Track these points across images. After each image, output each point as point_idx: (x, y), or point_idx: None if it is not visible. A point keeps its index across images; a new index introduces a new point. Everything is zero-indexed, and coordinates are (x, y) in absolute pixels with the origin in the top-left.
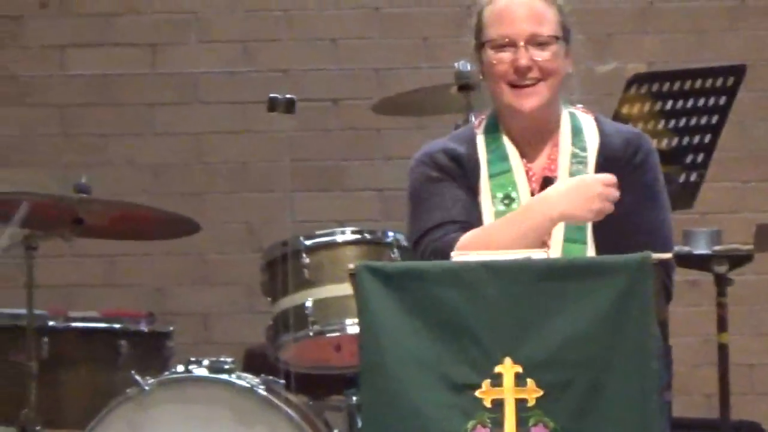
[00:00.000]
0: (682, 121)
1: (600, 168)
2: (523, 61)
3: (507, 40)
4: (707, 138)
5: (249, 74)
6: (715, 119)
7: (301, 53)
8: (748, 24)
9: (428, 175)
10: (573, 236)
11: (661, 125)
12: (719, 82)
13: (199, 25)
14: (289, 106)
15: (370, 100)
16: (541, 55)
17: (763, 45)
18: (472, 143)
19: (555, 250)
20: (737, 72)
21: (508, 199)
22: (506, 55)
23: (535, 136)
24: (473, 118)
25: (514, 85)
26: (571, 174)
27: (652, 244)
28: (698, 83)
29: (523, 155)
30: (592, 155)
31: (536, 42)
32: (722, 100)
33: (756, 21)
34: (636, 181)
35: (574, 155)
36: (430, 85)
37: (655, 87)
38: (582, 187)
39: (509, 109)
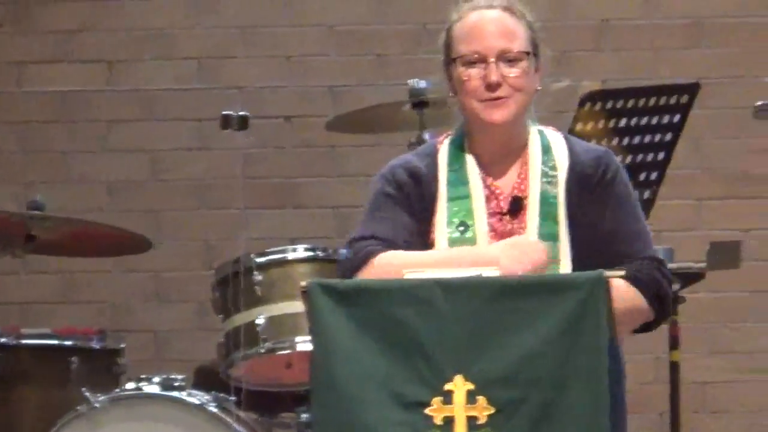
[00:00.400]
0: (636, 139)
1: (570, 187)
2: (494, 77)
3: (477, 56)
4: (661, 155)
5: (204, 91)
6: (668, 137)
7: (255, 70)
8: (702, 42)
9: (385, 190)
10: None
11: (614, 142)
12: (673, 99)
13: (155, 43)
14: (243, 123)
15: (324, 117)
16: (511, 72)
17: (717, 63)
18: (433, 160)
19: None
20: (691, 90)
21: (464, 227)
22: (477, 71)
23: (503, 152)
24: (427, 136)
25: (483, 101)
26: (542, 193)
27: (635, 254)
28: (652, 101)
29: (490, 173)
30: (562, 175)
31: (506, 58)
32: (676, 118)
33: (710, 39)
34: (610, 197)
35: (544, 174)
36: (384, 102)
37: (608, 104)
38: (525, 246)
39: (479, 123)
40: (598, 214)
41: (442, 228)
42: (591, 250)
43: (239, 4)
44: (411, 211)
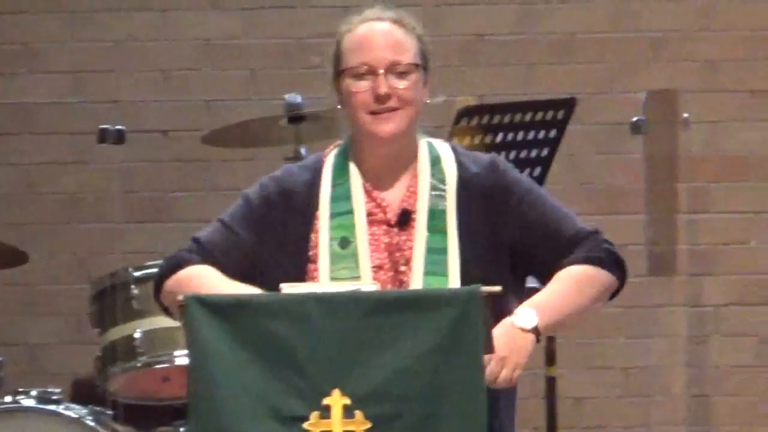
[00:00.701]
0: (512, 154)
1: (466, 201)
2: (383, 89)
3: (366, 67)
4: (537, 171)
5: (79, 105)
6: (545, 152)
7: (131, 84)
8: (577, 57)
9: (250, 197)
10: (433, 269)
11: None
12: (549, 115)
13: (29, 56)
14: (119, 137)
15: (200, 132)
16: (401, 84)
17: (593, 78)
18: (317, 173)
19: (416, 284)
20: (567, 105)
21: (345, 242)
22: (366, 84)
23: (391, 165)
24: (304, 151)
25: (373, 113)
26: (431, 207)
27: (574, 235)
28: (528, 116)
29: (377, 186)
30: (451, 187)
31: (396, 70)
32: (552, 133)
33: (585, 55)
34: (522, 199)
35: (433, 187)
36: (260, 116)
37: (485, 119)
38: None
39: (367, 136)
40: (521, 220)
41: (325, 241)
42: (530, 248)
43: (114, 19)
44: (260, 231)
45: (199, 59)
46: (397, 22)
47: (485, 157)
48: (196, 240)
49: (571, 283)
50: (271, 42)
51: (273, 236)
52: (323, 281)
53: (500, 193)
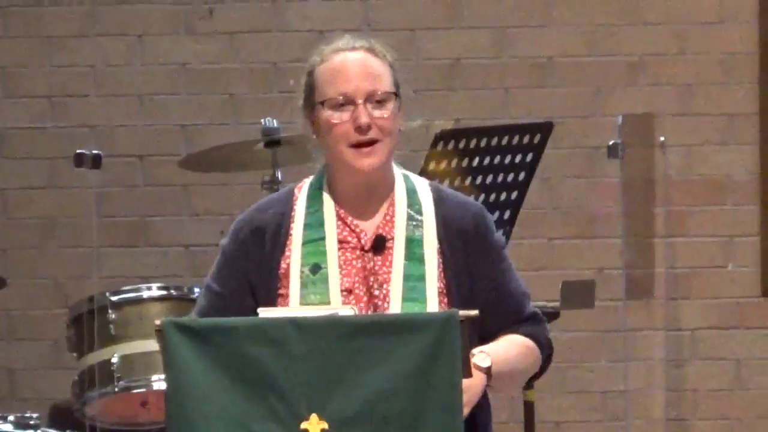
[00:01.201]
0: (489, 178)
1: (448, 240)
2: (364, 119)
3: (345, 98)
4: (514, 195)
5: (56, 129)
6: (522, 176)
7: (108, 109)
8: (554, 81)
9: (225, 252)
10: (410, 295)
11: (468, 182)
12: (526, 138)
13: (5, 80)
14: (96, 162)
15: (177, 156)
16: (381, 113)
17: (569, 102)
18: (289, 204)
19: (394, 309)
20: (544, 129)
21: (316, 268)
22: (345, 115)
23: (369, 194)
24: (280, 174)
25: (354, 146)
26: (408, 236)
27: (525, 313)
28: (505, 140)
29: (354, 214)
30: (428, 220)
31: (374, 99)
32: (529, 157)
33: (561, 78)
34: (488, 250)
35: (410, 217)
36: (236, 141)
37: (461, 143)
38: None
39: (347, 168)
40: (485, 271)
41: (296, 268)
42: (478, 303)
43: (90, 43)
44: (242, 278)
45: (176, 84)
46: (370, 50)
47: (472, 202)
48: (207, 287)
49: (519, 347)
50: (248, 66)
51: (254, 275)
52: (293, 307)
53: (480, 240)
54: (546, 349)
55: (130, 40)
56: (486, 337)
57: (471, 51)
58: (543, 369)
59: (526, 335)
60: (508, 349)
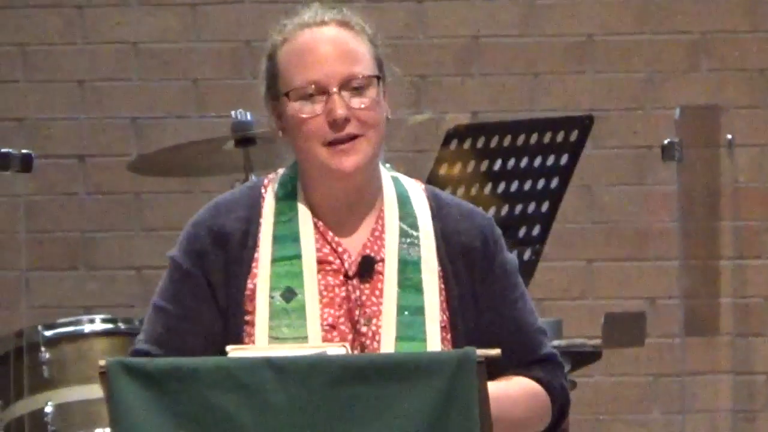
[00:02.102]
0: (514, 185)
1: (451, 261)
2: (340, 111)
3: (316, 87)
4: (545, 206)
5: None
6: (554, 183)
7: (39, 98)
8: (595, 65)
9: (179, 265)
10: (407, 333)
11: (487, 189)
12: (560, 136)
13: None
14: (26, 164)
15: (126, 157)
16: (360, 102)
17: (615, 91)
18: (255, 207)
19: (386, 350)
20: (582, 125)
21: (290, 293)
22: (317, 107)
23: (351, 203)
24: (254, 179)
25: (330, 143)
26: (401, 257)
27: (540, 352)
28: (534, 138)
29: (334, 228)
30: (426, 236)
31: (351, 86)
32: (564, 159)
33: (605, 62)
34: (499, 273)
35: (403, 233)
36: (201, 138)
37: (480, 142)
38: None
39: (323, 171)
40: (494, 301)
41: (264, 293)
42: (485, 335)
43: (18, 18)
44: (209, 288)
45: (125, 67)
46: (343, 24)
47: (481, 215)
48: (138, 353)
49: (523, 392)
50: (217, 46)
51: (221, 292)
52: (260, 342)
53: (489, 260)
54: (559, 399)
55: (69, 13)
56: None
57: (492, 27)
58: (555, 425)
59: (535, 379)
60: (507, 390)
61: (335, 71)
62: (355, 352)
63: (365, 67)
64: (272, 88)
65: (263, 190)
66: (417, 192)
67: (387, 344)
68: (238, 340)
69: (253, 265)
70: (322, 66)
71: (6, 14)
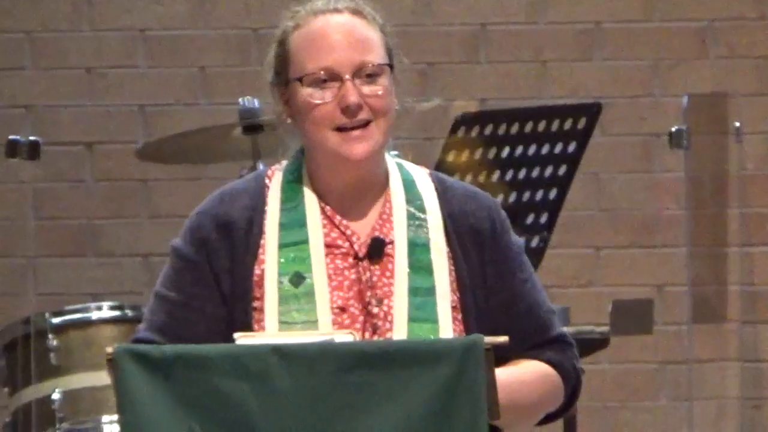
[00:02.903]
0: (522, 173)
1: (459, 242)
2: (353, 98)
3: (328, 73)
4: (553, 193)
5: None
6: (562, 170)
7: (47, 85)
8: (603, 52)
9: (182, 254)
10: (418, 314)
11: (494, 177)
12: (568, 124)
13: None
14: (33, 151)
15: (134, 145)
16: (372, 90)
17: (622, 79)
18: (260, 196)
19: (399, 331)
20: (590, 112)
21: (298, 278)
22: (329, 93)
23: (360, 188)
24: (262, 167)
25: (341, 129)
26: (410, 239)
27: (551, 334)
28: (542, 125)
29: (342, 212)
30: (433, 217)
31: (363, 73)
32: (572, 147)
33: (613, 49)
34: (507, 255)
35: (410, 216)
36: (209, 125)
37: (487, 129)
38: None
39: (333, 158)
40: (503, 282)
41: (272, 278)
42: (493, 320)
43: (26, 4)
44: (213, 277)
45: (133, 54)
46: (356, 12)
47: (487, 197)
48: (139, 341)
49: (536, 374)
50: (222, 33)
51: (226, 281)
52: (270, 327)
53: (496, 241)
54: (571, 381)
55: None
56: (498, 363)
57: (500, 14)
58: (567, 405)
59: (547, 362)
60: (519, 375)
61: (348, 58)
62: (367, 334)
63: (377, 55)
64: (281, 74)
65: (267, 180)
66: (422, 176)
67: (399, 326)
68: (247, 326)
69: (260, 251)
70: (335, 53)
71: (13, 1)
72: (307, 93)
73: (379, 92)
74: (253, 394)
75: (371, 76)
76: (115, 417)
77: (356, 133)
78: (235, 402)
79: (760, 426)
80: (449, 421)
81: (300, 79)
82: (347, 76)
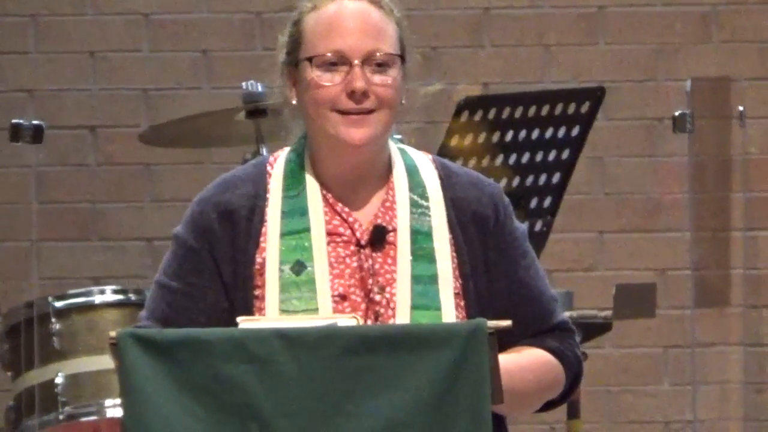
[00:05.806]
0: (525, 157)
1: (462, 229)
2: (359, 83)
3: (338, 56)
4: (556, 177)
5: None
6: (566, 154)
7: (50, 69)
8: (606, 37)
9: (184, 242)
10: (421, 302)
11: (498, 161)
12: (571, 108)
13: None
14: (37, 135)
15: (137, 128)
16: (381, 79)
17: (626, 63)
18: (261, 183)
19: (402, 318)
20: (594, 96)
21: (300, 266)
22: (337, 76)
23: (361, 176)
24: (265, 151)
25: (342, 112)
26: (413, 227)
27: (552, 321)
28: (545, 109)
29: (344, 200)
30: (436, 205)
31: (374, 61)
32: (575, 131)
33: (616, 33)
34: (509, 241)
35: (413, 203)
36: (212, 109)
37: (491, 113)
38: None
39: (332, 141)
40: (505, 268)
41: (274, 267)
42: (497, 306)
43: None
44: (214, 265)
45: (136, 38)
46: (374, 1)
47: (490, 183)
48: (139, 329)
49: (536, 361)
50: (229, 17)
51: (227, 269)
52: (271, 315)
53: (500, 228)
54: (572, 368)
55: None
56: (500, 351)
57: None
58: (568, 393)
59: (548, 350)
60: (520, 362)
61: (360, 44)
62: (369, 321)
63: (390, 45)
64: (292, 54)
65: (269, 167)
66: (425, 162)
67: (402, 313)
68: (248, 314)
69: (261, 239)
70: (347, 37)
71: None
72: (316, 75)
73: (388, 81)
74: (257, 378)
75: (381, 66)
76: (118, 401)
77: (357, 117)
78: (238, 386)
79: (763, 410)
80: (453, 405)
81: (310, 60)
82: (357, 62)
